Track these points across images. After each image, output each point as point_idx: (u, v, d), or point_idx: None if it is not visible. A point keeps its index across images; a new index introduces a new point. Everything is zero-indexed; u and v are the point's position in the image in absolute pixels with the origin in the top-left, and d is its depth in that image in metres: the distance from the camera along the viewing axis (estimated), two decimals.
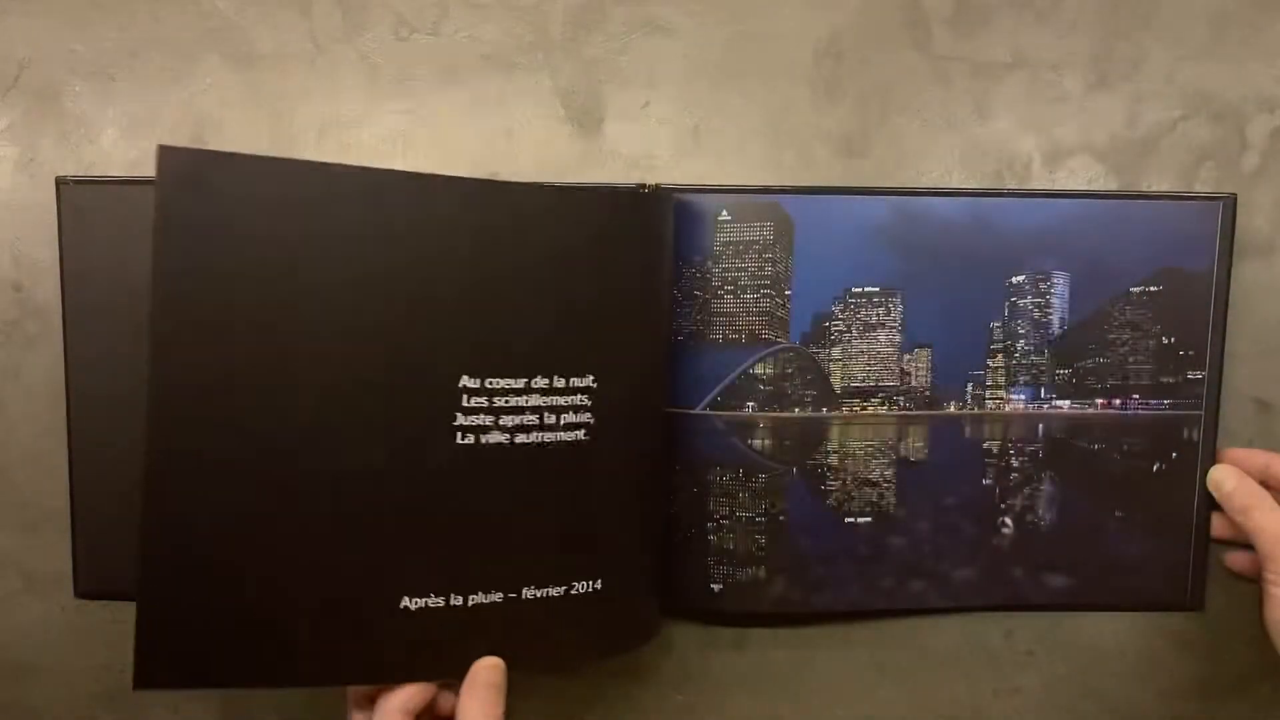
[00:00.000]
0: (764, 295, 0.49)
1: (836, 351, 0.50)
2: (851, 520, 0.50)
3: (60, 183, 0.49)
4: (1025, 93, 0.50)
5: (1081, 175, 0.50)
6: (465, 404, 0.41)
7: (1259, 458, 0.49)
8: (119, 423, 0.50)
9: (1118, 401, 0.50)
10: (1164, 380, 0.50)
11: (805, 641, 0.52)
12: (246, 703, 0.53)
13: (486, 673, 0.42)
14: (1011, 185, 0.50)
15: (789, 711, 0.53)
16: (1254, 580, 0.49)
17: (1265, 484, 0.48)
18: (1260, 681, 0.53)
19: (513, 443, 0.41)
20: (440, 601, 0.42)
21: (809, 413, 0.50)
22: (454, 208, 0.41)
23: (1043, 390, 0.50)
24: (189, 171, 0.38)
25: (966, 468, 0.51)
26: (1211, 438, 0.50)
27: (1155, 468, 0.51)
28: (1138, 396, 0.50)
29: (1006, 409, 0.50)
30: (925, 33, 0.50)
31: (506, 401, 0.41)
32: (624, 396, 0.44)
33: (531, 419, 0.41)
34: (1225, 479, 0.48)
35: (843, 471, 0.50)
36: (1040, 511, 0.51)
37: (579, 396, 0.42)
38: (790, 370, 0.49)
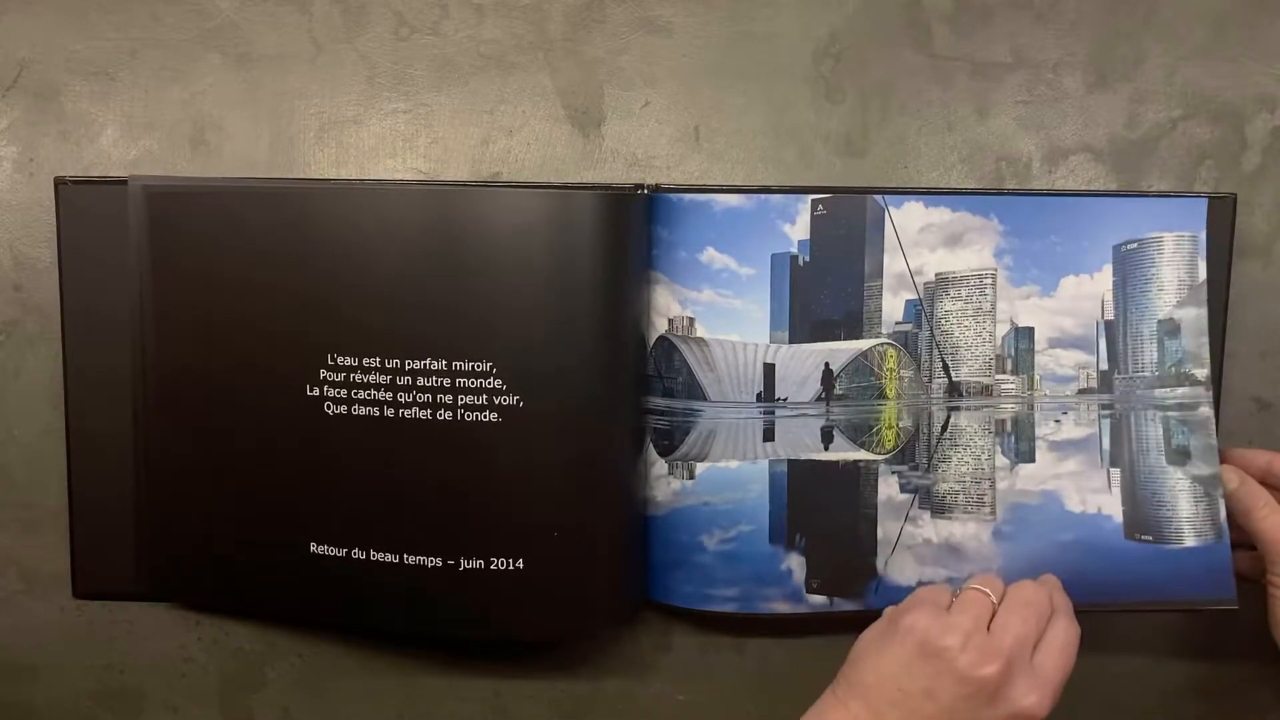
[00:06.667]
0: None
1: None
2: None
3: (59, 183, 0.49)
4: (1025, 93, 0.50)
5: (1081, 175, 0.50)
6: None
7: (1260, 458, 0.49)
8: (118, 423, 0.50)
9: None
10: None
11: (805, 641, 0.52)
12: (247, 702, 0.53)
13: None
14: (1011, 185, 0.50)
15: (789, 711, 0.53)
16: (1255, 580, 0.49)
17: (1267, 484, 0.48)
18: (1260, 682, 0.53)
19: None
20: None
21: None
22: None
23: None
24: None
25: None
26: None
27: None
28: None
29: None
30: (925, 32, 0.50)
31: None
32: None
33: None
34: (1227, 480, 0.48)
35: None
36: None
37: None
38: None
